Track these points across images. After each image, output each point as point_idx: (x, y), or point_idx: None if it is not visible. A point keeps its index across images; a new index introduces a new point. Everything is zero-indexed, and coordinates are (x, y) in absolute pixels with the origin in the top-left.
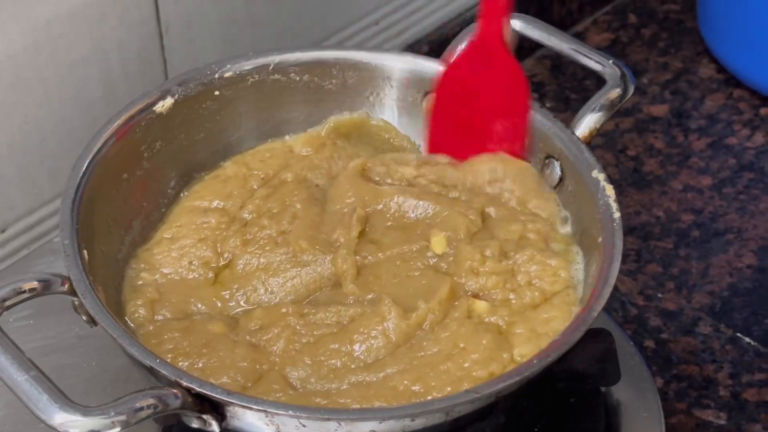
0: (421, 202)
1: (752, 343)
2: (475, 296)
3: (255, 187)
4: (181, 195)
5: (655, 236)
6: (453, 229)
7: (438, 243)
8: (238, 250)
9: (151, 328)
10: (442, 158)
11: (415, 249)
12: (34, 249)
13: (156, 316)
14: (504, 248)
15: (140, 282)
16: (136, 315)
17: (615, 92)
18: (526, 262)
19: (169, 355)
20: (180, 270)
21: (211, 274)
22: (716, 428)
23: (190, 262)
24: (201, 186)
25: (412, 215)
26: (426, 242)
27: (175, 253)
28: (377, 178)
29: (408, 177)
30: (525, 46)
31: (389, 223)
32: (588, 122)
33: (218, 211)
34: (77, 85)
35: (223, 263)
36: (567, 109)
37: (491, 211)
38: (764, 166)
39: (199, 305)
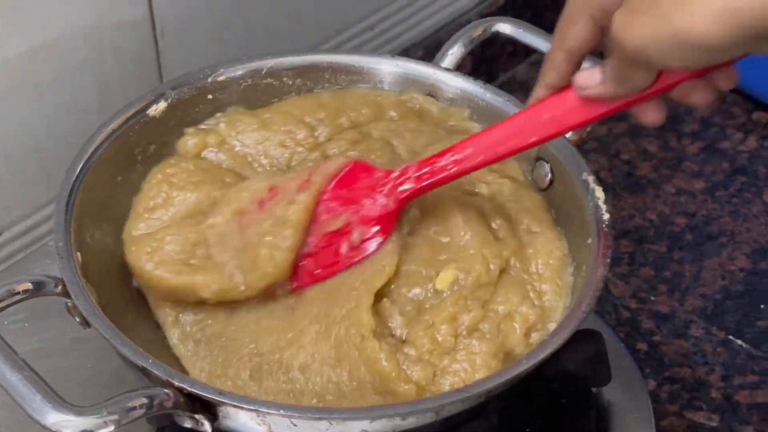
0: (467, 233)
1: (744, 345)
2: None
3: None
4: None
5: (649, 239)
6: (466, 272)
7: (443, 279)
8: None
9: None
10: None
11: (423, 273)
12: (29, 252)
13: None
14: (473, 325)
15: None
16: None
17: None
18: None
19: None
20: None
21: None
22: (708, 430)
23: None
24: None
25: (446, 239)
26: (436, 272)
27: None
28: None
29: (473, 180)
30: (519, 51)
31: (432, 229)
32: None
33: (307, 128)
34: (72, 90)
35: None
36: None
37: (514, 264)
38: (757, 170)
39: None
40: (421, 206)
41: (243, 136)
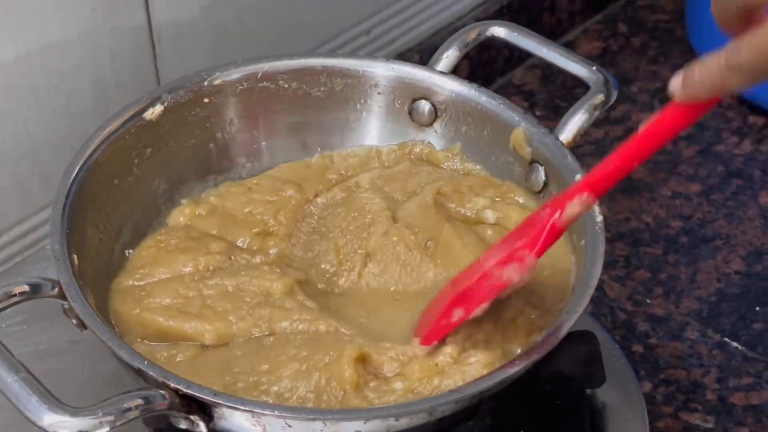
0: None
1: (739, 347)
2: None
3: (333, 180)
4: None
5: (644, 242)
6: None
7: None
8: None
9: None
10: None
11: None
12: (27, 256)
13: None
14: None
15: None
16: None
17: (598, 98)
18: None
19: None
20: None
21: None
22: (703, 431)
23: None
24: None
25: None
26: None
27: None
28: (451, 205)
29: (478, 208)
30: (515, 56)
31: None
32: (571, 127)
33: (295, 186)
34: (69, 94)
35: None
36: (556, 117)
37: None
38: (752, 173)
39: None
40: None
41: (231, 202)
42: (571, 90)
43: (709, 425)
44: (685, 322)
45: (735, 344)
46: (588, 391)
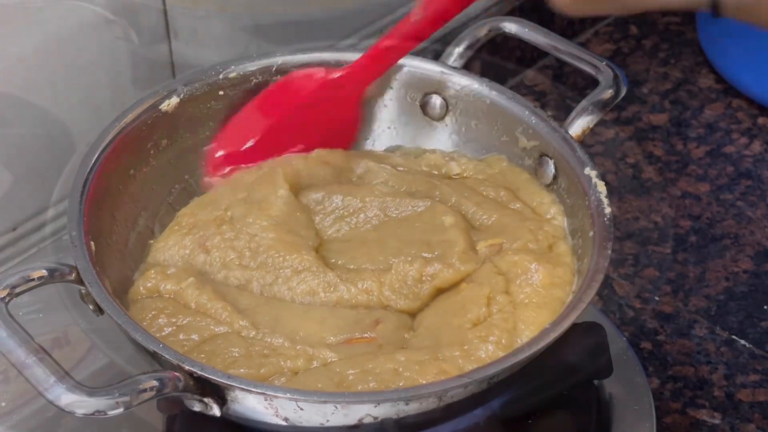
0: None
1: (747, 345)
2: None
3: None
4: None
5: (653, 241)
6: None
7: None
8: None
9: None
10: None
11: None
12: (43, 247)
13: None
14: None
15: None
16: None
17: (608, 93)
18: None
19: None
20: None
21: None
22: (710, 428)
23: None
24: None
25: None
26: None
27: None
28: None
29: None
30: (527, 57)
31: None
32: (581, 122)
33: None
34: (86, 88)
35: None
36: (567, 116)
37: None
38: (761, 174)
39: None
40: None
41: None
42: (582, 90)
43: (716, 421)
44: (693, 320)
45: (743, 342)
46: (595, 382)
